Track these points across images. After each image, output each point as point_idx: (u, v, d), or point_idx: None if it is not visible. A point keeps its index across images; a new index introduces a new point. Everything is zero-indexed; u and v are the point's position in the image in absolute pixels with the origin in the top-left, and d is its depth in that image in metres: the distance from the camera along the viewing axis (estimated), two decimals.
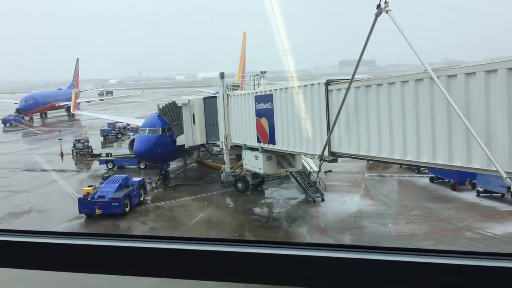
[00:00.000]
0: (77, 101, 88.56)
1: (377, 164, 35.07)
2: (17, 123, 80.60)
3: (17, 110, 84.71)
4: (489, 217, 25.03)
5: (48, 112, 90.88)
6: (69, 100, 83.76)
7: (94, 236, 1.97)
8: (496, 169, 12.43)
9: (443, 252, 1.62)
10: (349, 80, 19.55)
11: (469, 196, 29.03)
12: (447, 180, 31.23)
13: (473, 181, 29.43)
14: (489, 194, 28.05)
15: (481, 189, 28.61)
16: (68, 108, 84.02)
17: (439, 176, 31.77)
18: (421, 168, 32.35)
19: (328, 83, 22.05)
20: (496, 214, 25.56)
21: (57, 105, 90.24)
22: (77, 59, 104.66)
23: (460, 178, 30.01)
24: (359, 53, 18.00)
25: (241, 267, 1.77)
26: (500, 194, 27.39)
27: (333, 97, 21.65)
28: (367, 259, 1.65)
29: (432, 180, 32.59)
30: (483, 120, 13.42)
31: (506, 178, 12.10)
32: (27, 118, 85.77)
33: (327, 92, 21.95)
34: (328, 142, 21.58)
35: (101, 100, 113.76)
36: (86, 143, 48.34)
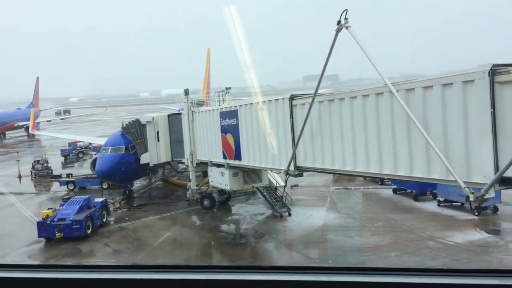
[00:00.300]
0: (37, 120, 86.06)
1: (342, 177, 35.53)
2: None
3: None
4: (450, 226, 25.70)
5: (6, 132, 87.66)
6: (29, 119, 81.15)
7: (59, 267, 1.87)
8: (455, 179, 12.76)
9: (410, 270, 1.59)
10: (313, 95, 19.76)
11: (431, 206, 29.80)
12: (409, 191, 31.98)
13: (434, 191, 30.28)
14: (449, 204, 28.89)
15: (441, 199, 29.45)
16: (27, 128, 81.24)
17: (402, 187, 32.52)
18: (385, 180, 33.00)
19: (292, 98, 22.19)
20: (456, 223, 26.29)
21: (16, 125, 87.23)
22: (37, 78, 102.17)
23: (421, 189, 30.82)
24: (321, 68, 18.27)
25: None
26: (459, 203, 28.24)
27: (297, 112, 21.81)
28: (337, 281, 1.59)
29: (395, 191, 33.30)
30: (441, 132, 13.81)
31: (464, 187, 12.43)
32: None
33: (291, 107, 22.09)
34: (294, 157, 21.65)
35: (61, 119, 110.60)
36: (45, 164, 46.78)
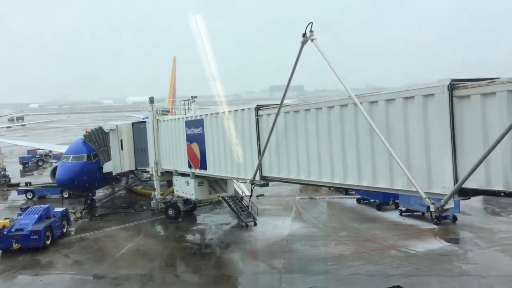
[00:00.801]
0: None
1: (307, 187, 35.86)
2: None
3: None
4: (411, 235, 26.33)
5: None
6: None
7: None
8: (416, 190, 13.10)
9: None
10: (278, 105, 19.89)
11: (393, 215, 30.48)
12: (373, 200, 32.63)
13: (396, 201, 31.01)
14: (411, 213, 29.63)
15: (403, 209, 30.18)
16: None
17: (365, 197, 33.15)
18: (349, 190, 33.54)
19: (258, 108, 22.26)
20: (417, 232, 26.97)
21: None
22: None
23: (384, 199, 31.51)
24: (287, 79, 18.44)
25: None
26: (420, 213, 29.02)
27: (263, 122, 21.87)
28: None
29: (358, 201, 33.90)
30: (403, 144, 14.17)
31: (425, 198, 12.75)
32: None
33: (257, 117, 22.15)
34: (259, 167, 21.68)
35: (22, 125, 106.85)
36: (2, 172, 45.08)
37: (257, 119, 22.14)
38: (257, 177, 22.00)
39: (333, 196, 35.95)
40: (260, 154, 21.52)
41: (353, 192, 33.78)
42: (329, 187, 32.48)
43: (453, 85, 12.38)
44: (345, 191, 35.13)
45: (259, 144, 22.02)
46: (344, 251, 24.15)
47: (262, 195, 35.11)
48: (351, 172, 16.80)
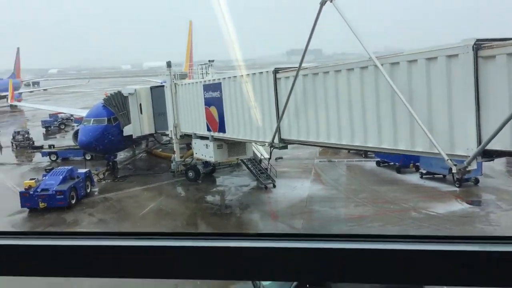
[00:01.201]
0: (19, 91, 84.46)
1: (326, 150, 35.86)
2: None
3: None
4: (432, 197, 26.31)
5: None
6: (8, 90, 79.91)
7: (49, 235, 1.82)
8: (438, 152, 13.00)
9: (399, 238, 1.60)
10: (297, 68, 19.68)
11: (413, 178, 30.39)
12: (393, 163, 32.50)
13: (417, 163, 30.81)
14: (431, 176, 29.48)
15: (424, 171, 30.02)
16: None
17: (385, 160, 33.00)
18: (368, 153, 33.44)
19: (276, 71, 22.08)
20: (438, 194, 26.92)
21: None
22: (18, 48, 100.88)
23: (404, 161, 31.33)
24: (305, 42, 18.13)
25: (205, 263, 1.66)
26: (441, 175, 28.85)
27: (282, 85, 21.74)
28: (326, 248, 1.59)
29: (378, 164, 33.80)
30: (425, 105, 13.96)
31: (447, 160, 12.68)
32: None
33: (275, 80, 22.00)
34: (278, 130, 21.70)
35: (44, 90, 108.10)
36: (26, 135, 46.07)
37: (275, 82, 22.02)
38: (276, 140, 22.07)
39: (352, 159, 35.89)
40: (279, 117, 21.50)
41: (373, 155, 33.64)
42: (349, 150, 32.40)
43: (478, 46, 12.03)
44: (364, 154, 34.97)
45: (278, 107, 21.97)
46: (364, 212, 24.33)
47: (281, 158, 35.25)
48: (371, 135, 16.72)
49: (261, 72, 23.24)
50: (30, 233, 1.84)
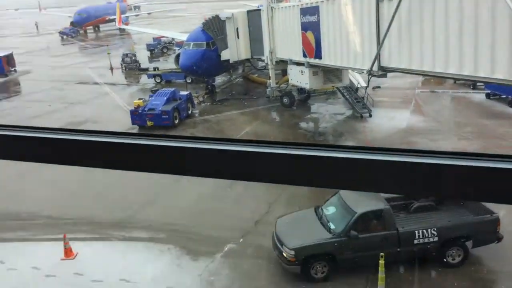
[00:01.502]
0: (126, 15, 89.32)
1: (429, 80, 33.77)
2: (73, 36, 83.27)
3: (72, 23, 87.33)
4: None
5: (100, 25, 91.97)
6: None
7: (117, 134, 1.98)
8: None
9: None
10: None
11: None
12: (505, 96, 29.72)
13: None
14: None
15: None
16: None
17: (497, 92, 30.21)
18: (477, 84, 30.87)
19: None
20: None
21: (107, 18, 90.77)
22: None
23: None
24: None
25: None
26: None
27: (384, 7, 20.47)
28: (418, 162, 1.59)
29: (488, 96, 31.08)
30: None
31: None
32: (81, 31, 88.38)
33: (377, 1, 20.74)
34: (378, 56, 20.80)
35: (148, 14, 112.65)
36: (133, 57, 49.07)
37: (378, 3, 20.77)
38: (375, 68, 21.26)
39: (458, 90, 33.41)
40: (379, 42, 20.51)
41: (483, 86, 30.98)
42: (455, 80, 30.19)
43: None
44: (473, 85, 32.33)
45: (379, 32, 20.90)
46: (468, 146, 22.99)
47: (379, 87, 33.92)
48: (484, 63, 15.40)
49: None
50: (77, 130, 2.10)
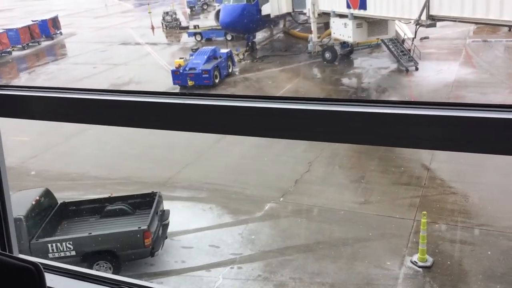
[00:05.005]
0: None
1: (482, 29, 31.60)
2: None
3: None
4: None
5: None
6: None
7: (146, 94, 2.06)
8: None
9: None
10: None
11: None
12: None
13: None
14: None
15: None
16: None
17: None
18: None
19: None
20: None
21: None
22: None
23: None
24: None
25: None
26: None
27: None
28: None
29: None
30: None
31: None
32: None
33: None
34: (427, 4, 19.61)
35: None
36: (174, 16, 48.83)
37: None
38: (423, 17, 20.18)
39: None
40: None
41: None
42: (510, 28, 28.08)
43: None
44: None
45: None
46: None
47: (427, 37, 32.09)
48: None
49: None
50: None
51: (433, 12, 19.94)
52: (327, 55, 31.46)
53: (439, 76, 26.24)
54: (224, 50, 31.60)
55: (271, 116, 1.78)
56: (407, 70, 27.56)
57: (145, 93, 2.05)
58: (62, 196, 14.87)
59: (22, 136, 19.74)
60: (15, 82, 35.40)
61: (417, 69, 27.50)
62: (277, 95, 26.36)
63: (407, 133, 1.59)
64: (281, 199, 15.31)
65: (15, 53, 42.28)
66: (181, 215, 14.75)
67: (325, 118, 1.70)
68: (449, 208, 13.79)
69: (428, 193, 14.67)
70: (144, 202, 13.74)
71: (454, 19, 19.70)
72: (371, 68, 29.87)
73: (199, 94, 1.97)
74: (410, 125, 1.58)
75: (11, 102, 2.31)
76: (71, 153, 20.21)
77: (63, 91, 2.21)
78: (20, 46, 43.05)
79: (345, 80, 28.84)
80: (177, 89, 28.65)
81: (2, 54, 40.83)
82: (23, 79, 36.35)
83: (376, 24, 27.65)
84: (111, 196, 14.42)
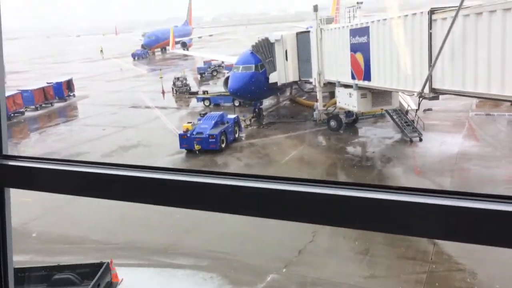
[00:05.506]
0: (190, 37, 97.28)
1: (485, 102, 32.17)
2: (143, 57, 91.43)
3: (142, 46, 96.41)
4: None
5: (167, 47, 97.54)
6: (184, 36, 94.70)
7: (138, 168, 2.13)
8: None
9: None
10: (457, 8, 17.69)
11: None
12: None
13: None
14: None
15: None
16: (183, 44, 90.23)
17: None
18: None
19: (432, 11, 20.23)
20: None
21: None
22: None
23: None
24: None
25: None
26: None
27: (437, 28, 19.91)
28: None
29: None
30: None
31: None
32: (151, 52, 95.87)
33: (430, 22, 20.20)
34: (429, 78, 20.16)
35: (210, 35, 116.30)
36: (184, 81, 50.39)
37: (430, 24, 20.21)
38: (426, 90, 20.63)
39: None
40: (431, 64, 19.87)
41: None
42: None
43: None
44: None
45: (431, 53, 20.30)
46: None
47: (430, 109, 32.68)
48: None
49: (414, 14, 21.56)
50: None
51: (435, 85, 20.42)
52: (332, 123, 31.96)
53: (443, 148, 26.38)
54: (231, 116, 32.21)
55: (270, 197, 1.81)
56: (411, 141, 27.79)
57: (148, 168, 2.09)
58: (60, 260, 14.62)
59: (24, 197, 19.74)
60: (26, 142, 36.03)
61: (421, 140, 27.73)
62: (282, 161, 26.49)
63: (409, 221, 1.59)
64: (284, 270, 14.92)
65: (28, 114, 43.40)
66: (182, 284, 14.36)
67: (326, 202, 1.71)
68: (457, 286, 13.33)
69: (435, 269, 14.25)
70: (93, 272, 13.42)
71: (456, 93, 20.12)
72: (375, 137, 30.17)
73: (206, 172, 1.98)
74: (413, 214, 1.57)
75: (17, 173, 2.40)
76: (74, 216, 20.09)
77: (72, 164, 2.27)
78: (33, 107, 44.29)
79: (350, 149, 29.04)
80: (183, 153, 28.94)
81: (15, 114, 41.90)
82: (33, 139, 37.02)
83: (380, 95, 28.26)
84: (59, 265, 14.07)
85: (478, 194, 1.53)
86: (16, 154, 2.53)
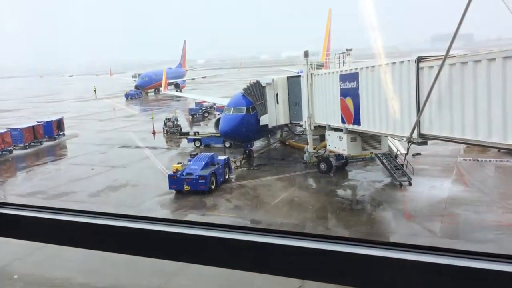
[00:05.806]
0: (183, 79, 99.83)
1: (472, 148, 32.67)
2: (136, 97, 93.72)
3: (136, 86, 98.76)
4: None
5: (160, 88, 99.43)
6: (177, 78, 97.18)
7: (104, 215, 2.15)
8: None
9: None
10: (443, 57, 18.24)
11: None
12: None
13: None
14: None
15: None
16: (176, 85, 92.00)
17: None
18: None
19: (419, 60, 20.83)
20: None
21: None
22: (185, 41, 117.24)
23: None
24: (454, 26, 16.66)
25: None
26: None
27: (424, 75, 20.44)
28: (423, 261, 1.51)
29: None
30: None
31: None
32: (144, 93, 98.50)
33: (417, 69, 20.75)
34: (418, 124, 20.48)
35: (203, 77, 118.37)
36: (175, 122, 50.66)
37: (418, 72, 20.75)
38: (415, 135, 20.89)
39: (503, 159, 32.06)
40: (419, 110, 20.25)
41: None
42: (499, 149, 29.04)
43: None
44: None
45: (418, 100, 20.72)
46: None
47: (419, 154, 33.08)
48: None
49: (402, 61, 22.17)
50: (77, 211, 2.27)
51: (423, 131, 20.72)
52: (322, 166, 32.11)
53: (432, 192, 26.51)
54: (222, 157, 32.24)
55: (247, 250, 1.81)
56: (401, 185, 27.91)
57: (144, 219, 2.08)
58: None
59: None
60: (12, 181, 35.49)
61: (410, 184, 27.88)
62: (272, 203, 26.32)
63: (396, 278, 1.56)
64: None
65: (16, 152, 43.03)
66: None
67: (317, 257, 1.68)
68: None
69: None
70: None
71: (445, 139, 20.41)
72: (365, 180, 30.27)
73: (204, 223, 1.95)
74: (394, 270, 1.55)
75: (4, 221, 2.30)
76: (59, 256, 19.49)
77: (61, 212, 2.21)
78: (22, 145, 43.96)
79: (340, 192, 29.04)
80: (173, 194, 28.67)
81: (3, 152, 41.50)
82: (19, 177, 36.51)
83: (369, 139, 28.57)
84: None
85: (457, 251, 1.52)
86: (1, 192, 2.48)
